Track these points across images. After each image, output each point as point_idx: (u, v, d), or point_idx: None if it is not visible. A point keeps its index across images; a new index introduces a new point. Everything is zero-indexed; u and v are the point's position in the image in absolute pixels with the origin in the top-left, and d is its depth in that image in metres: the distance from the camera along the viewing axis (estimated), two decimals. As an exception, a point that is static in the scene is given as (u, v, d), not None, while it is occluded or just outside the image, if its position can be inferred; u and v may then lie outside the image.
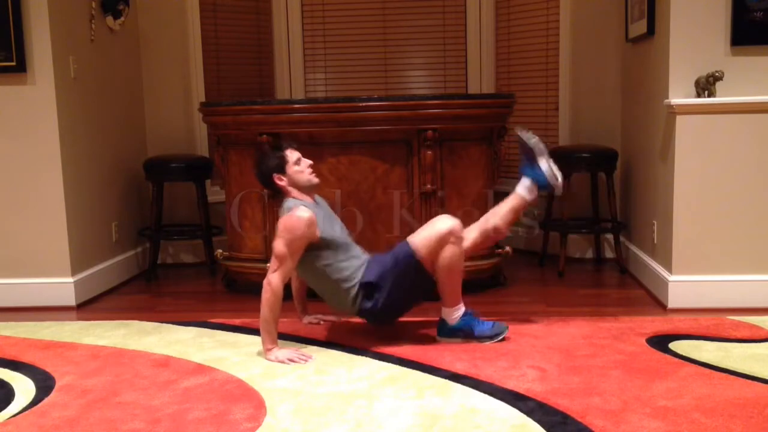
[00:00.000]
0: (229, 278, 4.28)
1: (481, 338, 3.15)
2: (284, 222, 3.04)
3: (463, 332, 3.16)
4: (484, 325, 3.17)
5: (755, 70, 3.55)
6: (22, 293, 3.98)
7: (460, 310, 3.16)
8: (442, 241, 3.04)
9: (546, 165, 3.37)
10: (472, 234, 3.31)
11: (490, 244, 3.59)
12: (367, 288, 3.11)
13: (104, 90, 4.38)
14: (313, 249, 3.08)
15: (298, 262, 3.09)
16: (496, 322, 3.20)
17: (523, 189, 3.36)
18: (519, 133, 3.42)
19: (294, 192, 3.17)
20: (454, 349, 3.06)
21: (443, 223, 3.08)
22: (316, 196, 3.29)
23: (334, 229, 3.16)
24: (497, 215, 3.35)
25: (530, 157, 3.38)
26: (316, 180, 3.21)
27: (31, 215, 3.93)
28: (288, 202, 3.13)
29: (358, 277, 3.12)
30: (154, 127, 4.95)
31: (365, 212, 3.93)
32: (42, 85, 3.82)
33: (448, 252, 3.05)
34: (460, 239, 3.08)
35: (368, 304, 3.12)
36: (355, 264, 3.14)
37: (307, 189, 3.19)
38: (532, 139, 3.38)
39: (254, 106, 3.91)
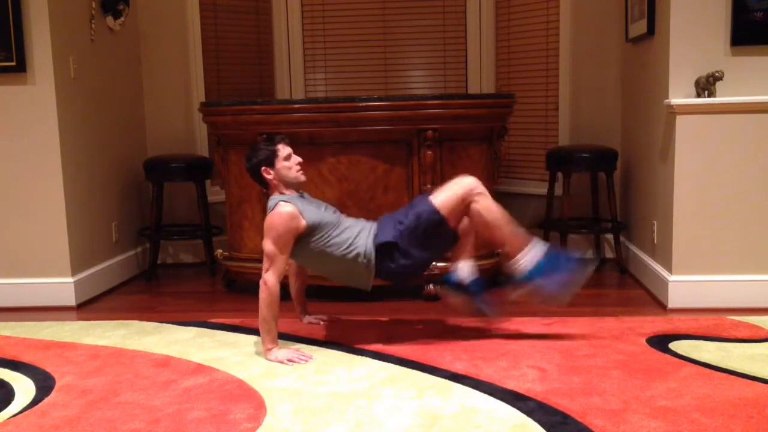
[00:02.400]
0: (229, 278, 4.28)
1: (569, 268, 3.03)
2: (268, 221, 3.06)
3: (550, 266, 3.03)
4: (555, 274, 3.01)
5: (755, 70, 3.55)
6: (22, 293, 3.98)
7: (532, 252, 3.05)
8: (464, 200, 3.05)
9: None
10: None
11: (492, 242, 3.49)
12: (385, 248, 3.09)
13: (104, 90, 4.38)
14: (305, 237, 3.08)
15: (297, 254, 3.11)
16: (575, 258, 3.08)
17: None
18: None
19: (280, 187, 3.18)
20: (454, 349, 3.06)
21: (462, 182, 3.09)
22: (303, 193, 3.28)
23: (319, 211, 3.15)
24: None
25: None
26: (302, 178, 3.22)
27: (31, 215, 3.93)
28: (271, 200, 3.15)
29: (360, 243, 3.11)
30: (154, 127, 4.95)
31: (365, 212, 3.92)
32: (42, 85, 3.82)
33: (475, 209, 3.05)
34: (481, 194, 3.07)
35: (389, 265, 3.11)
36: (351, 233, 3.13)
37: (294, 186, 3.21)
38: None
39: (254, 106, 3.91)
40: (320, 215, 3.12)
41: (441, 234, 3.10)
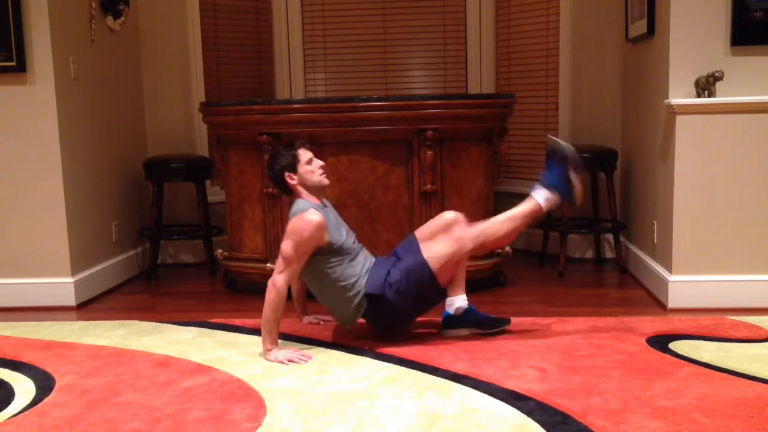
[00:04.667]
0: (229, 278, 4.28)
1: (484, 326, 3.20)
2: (294, 224, 3.02)
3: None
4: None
5: (755, 70, 3.55)
6: (22, 293, 3.98)
7: (541, 196, 3.18)
8: (456, 254, 3.08)
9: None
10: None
11: (497, 247, 3.56)
12: (373, 299, 3.09)
13: (104, 90, 4.38)
14: (320, 253, 3.07)
15: (305, 265, 3.08)
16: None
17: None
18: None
19: (303, 192, 3.17)
20: (454, 349, 3.06)
21: (453, 237, 3.09)
22: (324, 200, 3.27)
23: (341, 233, 3.14)
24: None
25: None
26: (326, 181, 3.21)
27: (31, 215, 3.93)
28: (298, 204, 3.12)
29: (362, 285, 3.10)
30: (154, 127, 4.95)
31: (365, 212, 3.92)
32: (42, 85, 3.82)
33: (469, 248, 3.11)
34: (467, 240, 3.10)
35: (375, 314, 3.12)
36: (359, 271, 3.12)
37: (316, 190, 3.19)
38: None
39: (254, 106, 3.91)
40: (342, 239, 3.11)
41: (430, 289, 3.11)
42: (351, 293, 3.10)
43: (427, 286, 3.09)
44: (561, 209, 4.49)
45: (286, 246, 3.00)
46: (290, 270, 3.01)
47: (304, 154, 3.17)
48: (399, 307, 3.09)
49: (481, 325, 3.20)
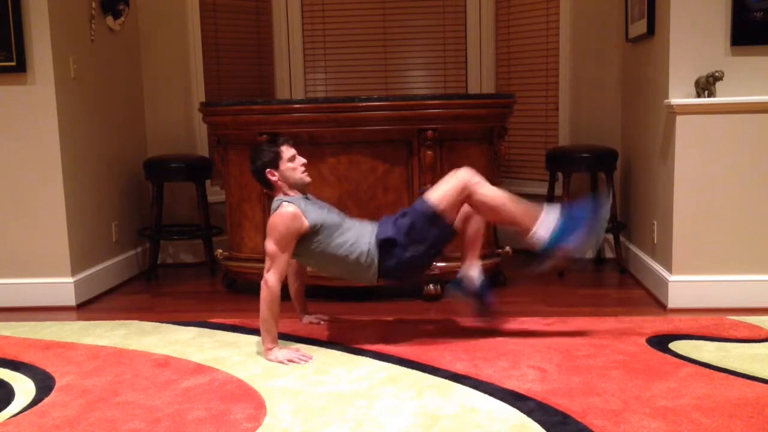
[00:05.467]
0: (229, 278, 4.28)
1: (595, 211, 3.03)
2: (271, 221, 3.07)
3: (571, 224, 3.03)
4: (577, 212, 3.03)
5: (755, 70, 3.55)
6: (22, 293, 3.98)
7: (545, 221, 3.04)
8: (462, 191, 3.06)
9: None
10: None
11: (491, 219, 3.35)
12: (386, 245, 3.11)
13: (104, 90, 4.38)
14: (307, 238, 3.09)
15: (301, 254, 3.12)
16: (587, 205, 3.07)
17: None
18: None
19: (285, 188, 3.19)
20: (454, 349, 3.06)
21: (457, 175, 3.11)
22: (308, 195, 3.28)
23: (322, 212, 3.15)
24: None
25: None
26: (307, 179, 3.22)
27: (31, 215, 3.93)
28: (275, 201, 3.15)
29: (363, 242, 3.12)
30: (154, 127, 4.95)
31: (365, 212, 3.92)
32: (42, 85, 3.82)
33: (476, 199, 3.07)
34: (478, 183, 3.08)
35: (390, 262, 3.12)
36: (353, 233, 3.14)
37: (298, 187, 3.20)
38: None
39: (254, 106, 3.91)
40: (323, 216, 3.12)
41: (438, 228, 3.11)
42: (355, 255, 3.11)
43: (434, 225, 3.09)
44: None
45: (269, 244, 3.05)
46: (278, 265, 3.03)
47: (287, 151, 3.18)
48: (411, 248, 3.10)
49: (479, 306, 3.22)
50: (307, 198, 3.21)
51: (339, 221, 3.16)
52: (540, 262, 3.10)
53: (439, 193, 3.11)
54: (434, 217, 3.08)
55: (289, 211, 3.05)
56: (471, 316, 3.37)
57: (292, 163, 3.18)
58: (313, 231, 3.08)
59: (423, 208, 3.10)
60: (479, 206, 3.11)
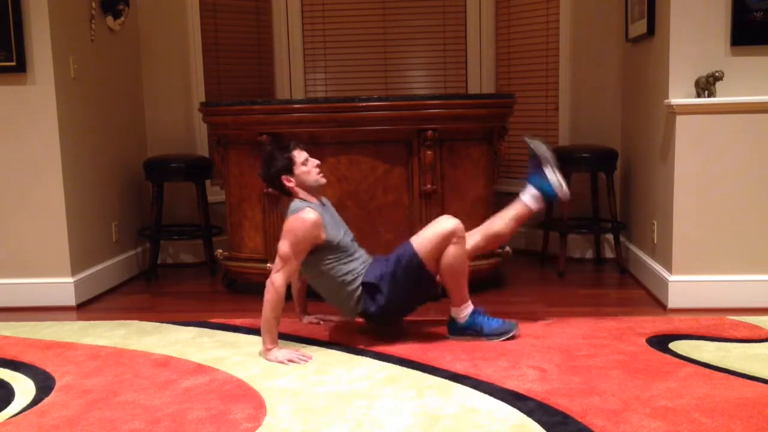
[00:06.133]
0: (229, 278, 4.28)
1: (490, 336, 3.16)
2: (290, 223, 3.04)
3: (473, 330, 3.17)
4: (493, 323, 3.18)
5: (755, 70, 3.55)
6: (22, 293, 3.98)
7: (468, 308, 3.18)
8: (445, 241, 3.06)
9: (552, 174, 3.33)
10: (474, 238, 3.31)
11: (491, 248, 3.59)
12: (369, 289, 3.12)
13: (104, 90, 4.38)
14: (318, 251, 3.09)
15: (303, 263, 3.10)
16: (505, 320, 3.22)
17: (528, 197, 3.34)
18: (527, 141, 3.39)
19: (301, 193, 3.18)
20: (454, 349, 3.06)
21: (445, 223, 3.10)
22: (323, 198, 3.29)
23: (339, 231, 3.16)
24: (501, 221, 3.35)
25: (537, 164, 3.34)
26: (323, 180, 3.22)
27: (31, 215, 3.93)
28: (295, 204, 3.14)
29: (361, 279, 3.13)
30: (154, 127, 4.95)
31: (365, 212, 3.92)
32: (42, 85, 3.82)
33: (451, 252, 3.07)
34: (462, 239, 3.10)
35: (371, 306, 3.14)
36: (358, 266, 3.16)
37: (314, 189, 3.20)
38: (541, 147, 3.35)
39: (254, 106, 3.91)
40: (339, 236, 3.13)
41: (419, 277, 3.11)
42: (352, 287, 3.13)
43: (417, 272, 3.10)
44: (560, 209, 4.49)
45: (283, 245, 3.02)
46: (288, 269, 3.02)
47: (299, 155, 3.17)
48: (393, 296, 3.10)
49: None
50: (323, 204, 3.22)
51: (350, 247, 3.17)
52: (453, 333, 3.25)
53: (423, 240, 3.10)
54: (417, 266, 3.08)
55: (311, 218, 3.03)
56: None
57: (306, 167, 3.17)
58: (326, 247, 3.08)
59: (407, 254, 3.09)
60: (448, 258, 3.08)
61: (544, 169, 3.33)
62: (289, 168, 3.15)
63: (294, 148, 3.19)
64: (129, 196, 4.69)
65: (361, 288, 3.13)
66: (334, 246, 3.09)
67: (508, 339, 3.16)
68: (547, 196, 3.34)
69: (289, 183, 3.16)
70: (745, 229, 3.58)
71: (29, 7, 3.77)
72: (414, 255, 3.08)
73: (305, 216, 3.03)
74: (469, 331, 3.18)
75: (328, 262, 3.11)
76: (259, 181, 3.94)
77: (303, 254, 3.05)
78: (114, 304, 4.07)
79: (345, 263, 3.13)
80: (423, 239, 3.10)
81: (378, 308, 3.13)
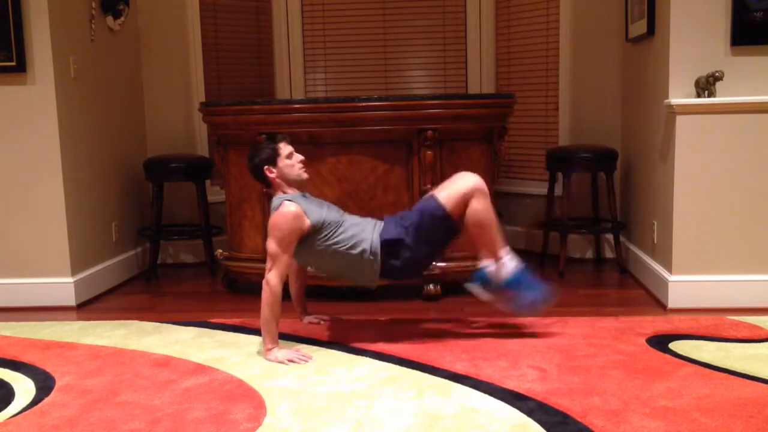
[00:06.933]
0: (229, 278, 4.28)
1: (521, 307, 3.15)
2: (272, 220, 3.07)
3: (510, 289, 3.16)
4: (536, 293, 3.15)
5: (755, 70, 3.55)
6: (22, 293, 3.98)
7: (510, 262, 3.15)
8: (467, 196, 3.08)
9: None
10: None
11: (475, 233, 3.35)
12: (391, 245, 3.12)
13: (104, 90, 4.38)
14: (309, 237, 3.09)
15: (302, 254, 3.12)
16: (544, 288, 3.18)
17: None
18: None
19: (283, 185, 3.19)
20: (454, 349, 3.06)
21: (467, 178, 3.12)
22: (306, 193, 3.29)
23: (322, 211, 3.15)
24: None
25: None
26: (305, 175, 3.23)
27: (31, 215, 3.93)
28: (275, 200, 3.16)
29: (365, 239, 3.12)
30: (154, 127, 4.95)
31: (365, 212, 3.92)
32: (42, 85, 3.82)
33: (475, 206, 3.08)
34: (484, 193, 3.10)
35: (395, 262, 3.13)
36: (356, 230, 3.15)
37: (296, 184, 3.21)
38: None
39: (254, 106, 3.91)
40: (323, 214, 3.13)
41: (445, 228, 3.12)
42: (358, 250, 3.11)
43: (442, 224, 3.11)
44: (561, 209, 4.49)
45: (270, 243, 3.04)
46: (279, 265, 3.03)
47: (285, 148, 3.19)
48: (417, 249, 3.11)
49: (516, 306, 3.18)
50: (305, 196, 3.22)
51: (339, 218, 3.17)
52: (485, 286, 3.21)
53: (447, 192, 3.12)
54: (443, 217, 3.09)
55: (291, 210, 3.05)
56: (510, 309, 3.24)
57: (290, 160, 3.19)
58: (315, 230, 3.09)
59: (431, 207, 3.11)
60: (473, 213, 3.09)
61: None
62: (272, 159, 3.16)
63: (281, 140, 3.21)
64: (129, 196, 4.69)
65: (369, 250, 3.11)
66: (321, 225, 3.10)
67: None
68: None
69: (271, 174, 3.17)
70: (745, 229, 3.58)
71: (29, 7, 3.77)
72: (439, 206, 3.09)
73: (286, 210, 3.05)
74: (506, 288, 3.14)
75: (321, 241, 3.10)
76: (259, 181, 3.95)
77: (291, 247, 3.06)
78: (114, 304, 4.07)
79: (339, 234, 3.12)
80: (447, 192, 3.12)
81: (403, 261, 3.12)
